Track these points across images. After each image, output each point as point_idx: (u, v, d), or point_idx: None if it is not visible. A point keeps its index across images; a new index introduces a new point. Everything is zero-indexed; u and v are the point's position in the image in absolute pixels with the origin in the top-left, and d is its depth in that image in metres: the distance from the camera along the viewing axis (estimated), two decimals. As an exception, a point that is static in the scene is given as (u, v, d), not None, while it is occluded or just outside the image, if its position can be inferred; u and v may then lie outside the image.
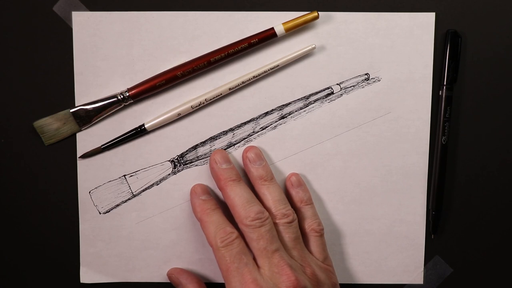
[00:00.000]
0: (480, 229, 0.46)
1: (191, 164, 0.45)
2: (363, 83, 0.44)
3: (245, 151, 0.44)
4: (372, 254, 0.46)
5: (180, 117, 0.44)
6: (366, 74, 0.44)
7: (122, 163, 0.45)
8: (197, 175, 0.45)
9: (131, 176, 0.45)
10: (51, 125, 0.44)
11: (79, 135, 0.44)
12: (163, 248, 0.45)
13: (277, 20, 0.44)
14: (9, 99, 0.44)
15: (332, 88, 0.44)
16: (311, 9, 0.44)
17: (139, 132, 0.44)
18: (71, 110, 0.44)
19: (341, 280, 0.46)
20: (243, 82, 0.44)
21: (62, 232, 0.45)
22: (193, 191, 0.44)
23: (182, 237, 0.45)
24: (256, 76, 0.43)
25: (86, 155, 0.44)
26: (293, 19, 0.43)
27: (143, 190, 0.45)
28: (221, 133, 0.45)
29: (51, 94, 0.44)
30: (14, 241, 0.45)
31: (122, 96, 0.43)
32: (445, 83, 0.44)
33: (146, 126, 0.44)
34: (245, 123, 0.45)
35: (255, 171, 0.43)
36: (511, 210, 0.46)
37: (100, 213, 0.45)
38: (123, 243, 0.45)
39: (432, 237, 0.46)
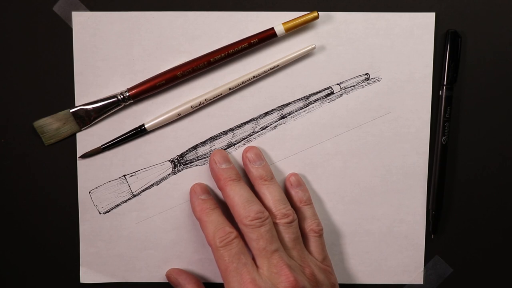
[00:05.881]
0: (480, 229, 0.46)
1: (191, 164, 0.45)
2: (363, 83, 0.44)
3: (245, 151, 0.44)
4: (372, 254, 0.46)
5: (180, 117, 0.44)
6: (366, 74, 0.44)
7: (122, 163, 0.45)
8: (197, 175, 0.45)
9: (131, 176, 0.45)
10: (51, 125, 0.44)
11: (79, 135, 0.44)
12: (163, 248, 0.45)
13: (277, 20, 0.44)
14: (9, 99, 0.44)
15: (332, 88, 0.44)
16: (311, 9, 0.44)
17: (139, 132, 0.44)
18: (71, 110, 0.44)
19: (341, 280, 0.46)
20: (243, 82, 0.44)
21: (62, 232, 0.45)
22: (192, 191, 0.44)
23: (182, 237, 0.45)
24: (256, 76, 0.43)
25: (86, 155, 0.44)
26: (293, 19, 0.43)
27: (143, 190, 0.45)
28: (221, 133, 0.45)
29: (51, 94, 0.44)
30: (14, 241, 0.45)
31: (122, 96, 0.43)
32: (445, 83, 0.44)
33: (146, 126, 0.44)
34: (245, 123, 0.45)
35: (255, 171, 0.43)
36: (511, 210, 0.46)
37: (100, 213, 0.45)
38: (123, 243, 0.45)
39: (432, 237, 0.46)
